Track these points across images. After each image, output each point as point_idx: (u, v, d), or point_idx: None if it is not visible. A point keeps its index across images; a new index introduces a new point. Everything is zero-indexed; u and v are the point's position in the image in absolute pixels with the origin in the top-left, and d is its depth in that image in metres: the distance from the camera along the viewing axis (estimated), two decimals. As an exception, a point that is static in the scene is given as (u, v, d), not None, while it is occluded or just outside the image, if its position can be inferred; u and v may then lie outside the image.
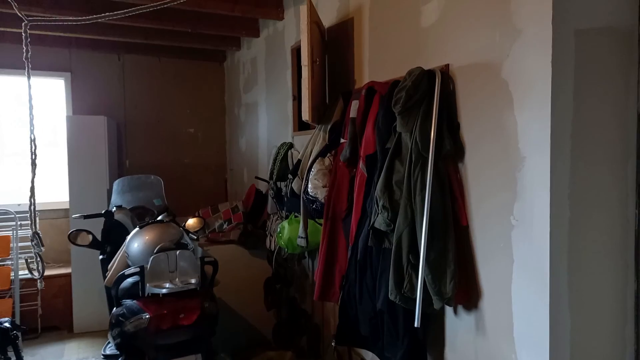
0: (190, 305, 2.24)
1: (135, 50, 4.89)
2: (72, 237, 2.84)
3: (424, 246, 1.75)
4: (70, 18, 1.69)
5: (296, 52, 3.44)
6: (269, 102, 4.09)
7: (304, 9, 2.53)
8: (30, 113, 1.49)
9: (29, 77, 1.44)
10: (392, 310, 1.97)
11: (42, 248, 1.58)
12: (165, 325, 2.18)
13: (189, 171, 5.27)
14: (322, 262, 2.47)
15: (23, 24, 1.50)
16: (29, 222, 1.56)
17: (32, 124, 1.48)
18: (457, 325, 1.95)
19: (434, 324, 2.04)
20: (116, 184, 3.39)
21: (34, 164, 1.50)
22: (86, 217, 2.99)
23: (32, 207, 1.58)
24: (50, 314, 4.12)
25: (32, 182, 1.58)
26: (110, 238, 3.01)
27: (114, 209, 3.00)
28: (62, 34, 4.12)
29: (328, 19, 2.91)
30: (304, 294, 3.36)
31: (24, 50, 1.41)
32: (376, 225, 1.95)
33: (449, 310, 1.99)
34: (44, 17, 1.74)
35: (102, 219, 3.07)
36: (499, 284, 1.72)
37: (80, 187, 4.04)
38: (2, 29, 3.81)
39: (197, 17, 3.86)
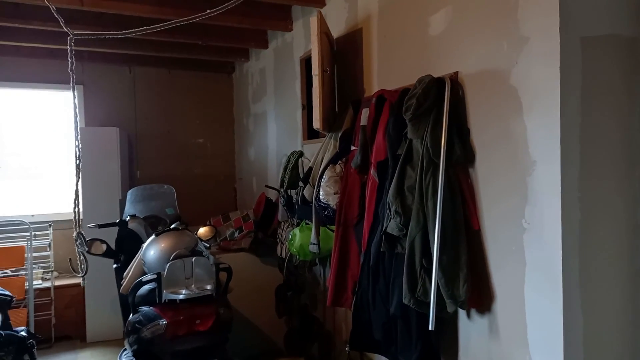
0: (205, 312, 2.27)
1: (146, 62, 4.98)
2: (87, 246, 2.88)
3: (437, 250, 1.78)
4: (112, 32, 1.76)
5: (305, 62, 3.49)
6: (277, 111, 4.14)
7: (314, 21, 2.58)
8: (75, 123, 1.56)
9: (73, 89, 1.50)
10: (405, 315, 1.99)
11: (85, 247, 1.63)
12: (181, 331, 2.21)
13: (198, 181, 5.32)
14: (335, 268, 2.50)
15: (68, 38, 1.56)
16: (74, 224, 1.62)
17: (77, 131, 1.55)
18: (470, 329, 1.97)
19: (448, 328, 2.05)
20: (130, 194, 3.45)
21: (78, 168, 1.56)
22: (101, 226, 3.04)
23: (77, 210, 1.64)
24: (63, 324, 4.16)
25: (77, 186, 1.64)
26: (124, 247, 3.06)
27: (128, 218, 3.05)
28: (74, 48, 4.20)
29: (337, 30, 2.97)
30: (316, 301, 3.38)
31: (69, 63, 1.47)
32: (389, 230, 1.98)
33: (462, 314, 2.01)
34: (88, 32, 1.82)
35: (115, 230, 3.12)
36: (511, 287, 1.74)
37: (93, 198, 4.09)
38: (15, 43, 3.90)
39: (206, 29, 3.93)
